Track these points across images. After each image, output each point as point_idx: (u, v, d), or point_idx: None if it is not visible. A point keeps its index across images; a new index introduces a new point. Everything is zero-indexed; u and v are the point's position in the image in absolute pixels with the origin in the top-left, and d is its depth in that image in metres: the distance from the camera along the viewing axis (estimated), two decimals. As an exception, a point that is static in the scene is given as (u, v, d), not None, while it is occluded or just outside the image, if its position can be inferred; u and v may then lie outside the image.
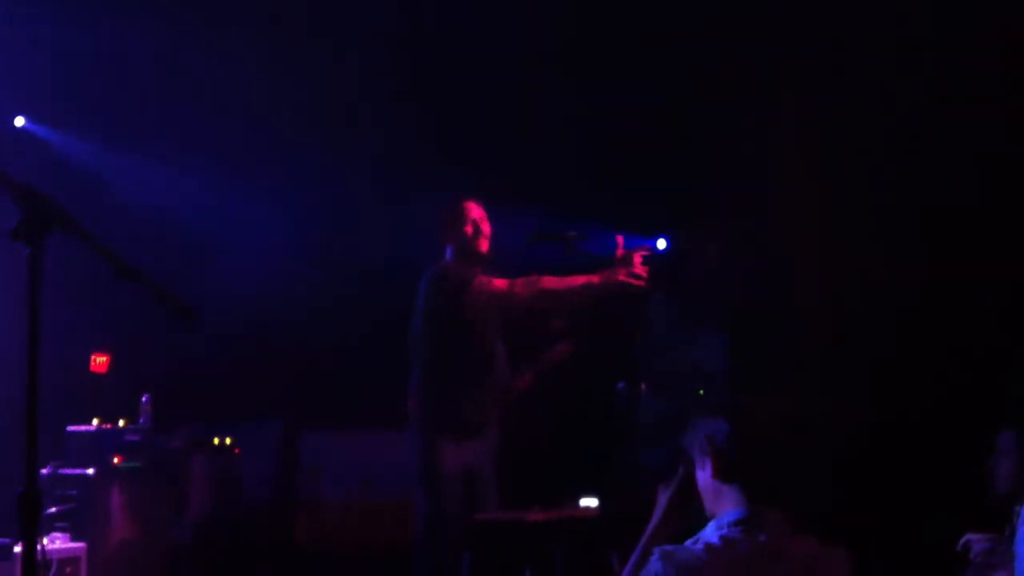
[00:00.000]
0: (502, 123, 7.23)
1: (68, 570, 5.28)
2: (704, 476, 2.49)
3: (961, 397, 5.74)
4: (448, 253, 4.54)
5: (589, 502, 5.57)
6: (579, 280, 4.32)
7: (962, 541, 4.21)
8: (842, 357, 6.46)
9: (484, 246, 4.57)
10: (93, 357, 6.32)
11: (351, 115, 7.27)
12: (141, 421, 5.98)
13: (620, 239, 4.36)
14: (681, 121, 7.12)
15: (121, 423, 5.96)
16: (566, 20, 6.91)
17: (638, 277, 4.27)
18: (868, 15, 6.20)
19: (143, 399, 6.01)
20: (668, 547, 2.38)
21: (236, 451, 6.43)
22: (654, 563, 2.33)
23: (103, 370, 6.33)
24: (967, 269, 5.90)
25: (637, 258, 4.30)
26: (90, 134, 7.18)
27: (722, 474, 2.46)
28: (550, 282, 4.34)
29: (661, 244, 7.90)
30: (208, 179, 7.25)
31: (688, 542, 2.42)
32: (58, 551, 5.27)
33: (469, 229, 4.55)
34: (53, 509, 5.44)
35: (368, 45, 6.90)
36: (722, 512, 2.45)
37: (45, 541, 5.17)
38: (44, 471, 5.54)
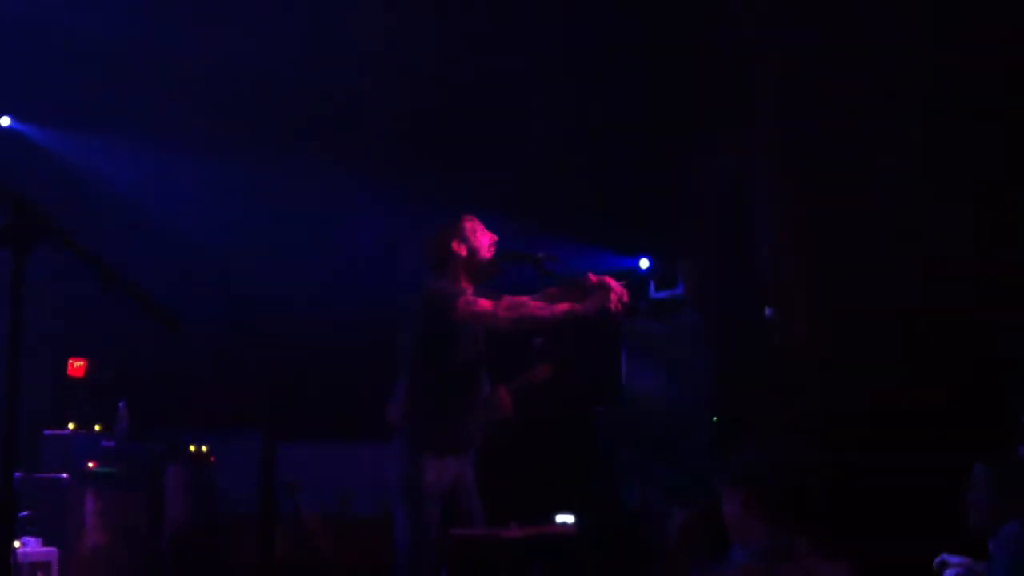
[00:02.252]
0: (479, 137, 7.25)
1: (39, 575, 5.24)
2: (733, 505, 2.65)
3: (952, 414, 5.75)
4: (452, 263, 4.50)
5: (565, 519, 5.58)
6: (563, 307, 4.29)
7: (938, 560, 4.23)
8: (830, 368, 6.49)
9: (493, 254, 4.55)
10: (71, 362, 6.28)
11: (336, 126, 7.27)
12: (117, 427, 5.94)
13: (594, 279, 4.32)
14: (665, 138, 7.16)
15: (97, 428, 5.92)
16: (552, 38, 6.93)
17: (623, 303, 4.26)
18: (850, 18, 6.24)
19: (120, 405, 5.97)
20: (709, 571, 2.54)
21: (212, 459, 6.39)
22: None
23: (80, 375, 6.29)
24: (962, 272, 5.92)
25: (616, 284, 4.28)
26: (68, 128, 7.13)
27: (754, 504, 2.60)
28: (535, 308, 4.31)
29: (644, 264, 7.95)
30: (194, 183, 7.22)
31: (724, 566, 2.60)
32: (29, 556, 5.23)
33: (486, 240, 4.53)
34: (25, 513, 5.39)
35: (349, 53, 6.91)
36: (752, 538, 2.61)
37: (17, 545, 5.13)
38: (17, 475, 5.49)
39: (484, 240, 4.51)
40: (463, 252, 4.47)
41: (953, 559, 4.19)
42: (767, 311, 6.83)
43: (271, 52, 6.83)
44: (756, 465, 2.66)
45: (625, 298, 4.26)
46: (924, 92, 6.16)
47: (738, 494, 2.63)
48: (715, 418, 6.36)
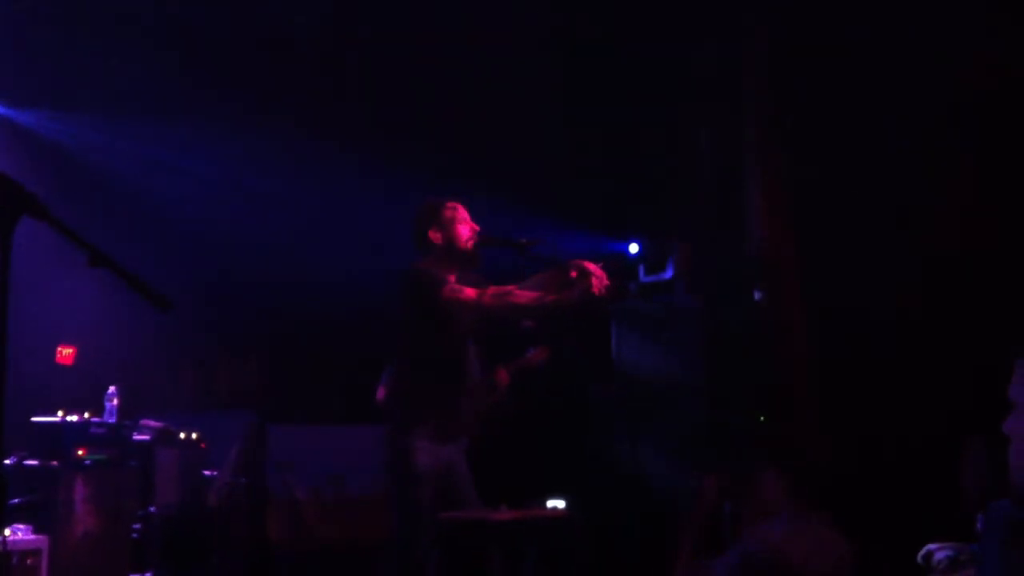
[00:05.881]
0: (469, 119, 7.24)
1: (30, 562, 5.23)
2: (771, 482, 3.13)
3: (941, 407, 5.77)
4: (432, 250, 4.48)
5: (557, 503, 5.57)
6: (550, 298, 4.28)
7: (923, 552, 4.23)
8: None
9: (472, 246, 4.51)
10: (59, 348, 6.25)
11: (324, 112, 7.24)
12: (107, 413, 5.92)
13: (573, 273, 4.30)
14: (659, 123, 7.15)
15: (87, 415, 5.90)
16: (544, 18, 6.91)
17: (606, 288, 4.25)
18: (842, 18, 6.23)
19: (109, 391, 5.96)
20: (759, 531, 3.01)
21: (203, 445, 6.37)
22: (751, 544, 2.95)
23: (69, 362, 6.26)
24: (955, 269, 5.92)
25: (598, 270, 4.26)
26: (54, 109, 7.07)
27: (798, 488, 3.11)
28: (521, 297, 4.29)
29: (633, 248, 7.94)
30: (188, 162, 7.18)
31: (760, 533, 3.02)
32: (20, 543, 5.22)
33: (465, 230, 4.49)
34: (16, 500, 5.38)
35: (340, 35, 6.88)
36: (782, 510, 3.08)
37: (7, 533, 5.12)
38: (8, 462, 5.48)
39: (463, 231, 4.47)
40: (439, 241, 4.45)
41: (937, 546, 4.20)
42: (756, 294, 6.84)
43: (277, 25, 6.80)
44: (804, 457, 3.30)
45: (606, 281, 4.24)
46: (928, 72, 6.15)
47: (784, 479, 3.11)
48: (761, 416, 6.38)
